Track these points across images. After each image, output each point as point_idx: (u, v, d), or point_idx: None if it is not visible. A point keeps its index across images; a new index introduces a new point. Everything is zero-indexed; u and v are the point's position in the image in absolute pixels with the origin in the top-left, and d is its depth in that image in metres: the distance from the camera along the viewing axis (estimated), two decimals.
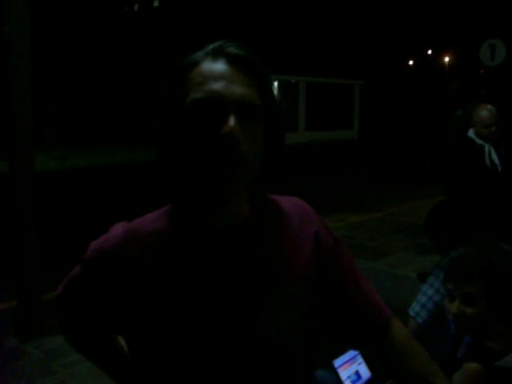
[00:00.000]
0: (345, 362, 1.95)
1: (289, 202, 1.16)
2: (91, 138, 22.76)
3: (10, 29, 3.96)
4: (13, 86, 4.05)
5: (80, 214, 9.15)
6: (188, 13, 28.48)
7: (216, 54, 1.00)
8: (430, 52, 42.45)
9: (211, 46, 1.02)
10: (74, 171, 14.83)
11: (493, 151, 4.22)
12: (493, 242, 2.03)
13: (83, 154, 18.56)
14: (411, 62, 42.43)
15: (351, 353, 1.99)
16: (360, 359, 2.01)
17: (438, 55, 42.23)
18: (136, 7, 34.63)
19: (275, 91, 1.06)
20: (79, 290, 1.11)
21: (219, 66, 0.98)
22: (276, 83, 22.19)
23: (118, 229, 1.09)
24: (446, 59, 42.35)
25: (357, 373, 1.97)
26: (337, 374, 1.90)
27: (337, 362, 1.93)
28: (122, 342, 1.25)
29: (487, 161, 4.19)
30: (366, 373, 2.01)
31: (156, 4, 33.93)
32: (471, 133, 4.29)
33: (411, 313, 2.73)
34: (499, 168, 4.21)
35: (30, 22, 4.08)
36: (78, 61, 23.26)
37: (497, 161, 4.22)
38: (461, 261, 1.90)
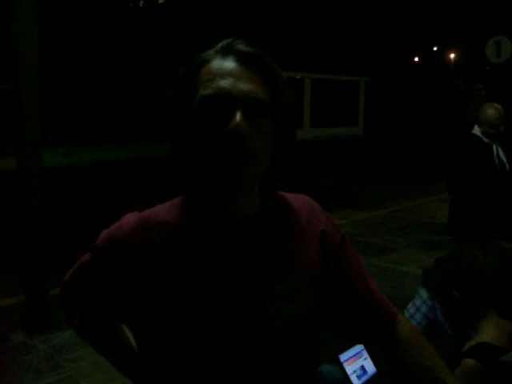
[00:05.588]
0: (351, 357, 1.97)
1: (297, 199, 1.18)
2: (96, 135, 22.80)
3: (18, 26, 3.98)
4: (20, 83, 4.08)
5: (86, 209, 9.18)
6: (193, 10, 28.47)
7: (225, 52, 1.02)
8: (435, 49, 42.31)
9: (220, 44, 1.04)
10: (79, 168, 14.88)
11: (500, 150, 4.19)
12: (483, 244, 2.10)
13: (88, 150, 18.60)
14: (417, 59, 42.29)
15: (357, 348, 2.00)
16: (366, 354, 2.02)
17: (443, 52, 42.07)
18: (141, 4, 34.62)
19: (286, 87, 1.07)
20: (88, 276, 1.13)
21: (228, 64, 1.00)
22: None
23: (130, 217, 1.11)
24: (452, 56, 42.20)
25: (362, 368, 1.99)
26: (343, 369, 1.92)
27: (343, 357, 1.94)
28: (129, 332, 1.27)
29: (495, 160, 4.15)
30: (371, 368, 2.02)
31: (161, 1, 33.91)
32: (477, 130, 4.25)
33: (406, 314, 2.72)
34: (507, 167, 4.17)
35: (37, 19, 4.10)
36: (82, 58, 23.28)
37: (505, 159, 4.18)
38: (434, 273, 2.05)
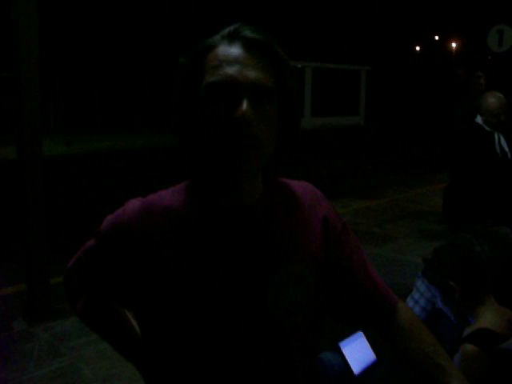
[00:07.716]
0: (351, 344, 1.98)
1: (300, 186, 1.19)
2: (97, 124, 22.78)
3: (17, 13, 3.95)
4: (20, 72, 4.06)
5: (86, 198, 9.19)
6: None
7: (232, 38, 1.01)
8: (436, 38, 42.11)
9: (227, 30, 1.03)
10: (80, 156, 14.87)
11: (502, 139, 4.19)
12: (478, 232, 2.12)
13: (89, 139, 18.59)
14: (418, 48, 42.09)
15: (357, 335, 2.02)
16: (365, 342, 2.04)
17: (444, 41, 41.89)
18: None
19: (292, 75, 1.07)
20: (92, 262, 1.14)
21: (234, 50, 1.00)
22: None
23: (134, 203, 1.11)
24: (453, 45, 42.02)
25: (362, 355, 2.00)
26: (343, 356, 1.93)
27: (343, 344, 1.95)
28: (132, 317, 1.28)
29: (497, 148, 4.16)
30: (371, 355, 2.04)
31: None
32: (479, 119, 4.25)
33: None
34: (509, 155, 4.18)
35: (37, 7, 4.08)
36: (83, 46, 23.20)
37: (507, 148, 4.18)
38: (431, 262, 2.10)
